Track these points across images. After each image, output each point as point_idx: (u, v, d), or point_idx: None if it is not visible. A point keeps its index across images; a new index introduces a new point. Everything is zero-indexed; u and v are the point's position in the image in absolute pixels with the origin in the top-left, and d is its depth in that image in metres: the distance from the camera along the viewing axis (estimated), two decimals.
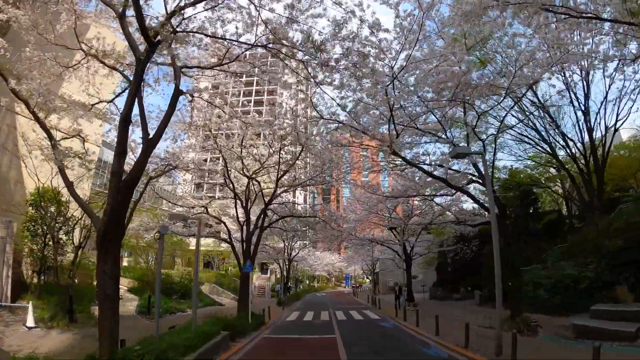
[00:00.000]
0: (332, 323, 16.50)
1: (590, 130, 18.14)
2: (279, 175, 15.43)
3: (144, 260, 26.71)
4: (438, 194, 16.93)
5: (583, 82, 17.32)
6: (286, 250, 31.11)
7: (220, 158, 14.76)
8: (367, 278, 50.91)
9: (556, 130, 19.78)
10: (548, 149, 19.96)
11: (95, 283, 21.06)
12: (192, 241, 39.50)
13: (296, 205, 18.30)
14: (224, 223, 16.78)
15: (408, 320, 16.21)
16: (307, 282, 66.43)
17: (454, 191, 16.65)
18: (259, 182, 16.21)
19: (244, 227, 15.99)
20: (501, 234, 14.89)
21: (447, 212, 23.15)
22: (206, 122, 12.45)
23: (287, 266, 31.69)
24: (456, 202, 22.13)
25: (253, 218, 16.76)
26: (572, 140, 19.55)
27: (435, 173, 13.04)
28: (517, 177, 26.58)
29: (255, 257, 16.55)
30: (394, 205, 22.65)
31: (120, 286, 25.18)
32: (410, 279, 25.95)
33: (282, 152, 14.44)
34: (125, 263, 27.71)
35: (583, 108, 17.95)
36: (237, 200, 16.14)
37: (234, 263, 49.27)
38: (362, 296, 39.50)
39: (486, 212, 17.02)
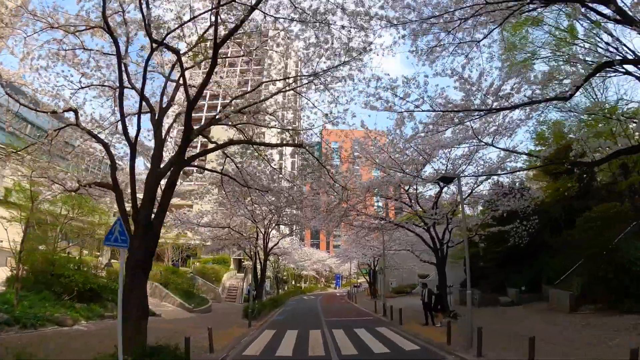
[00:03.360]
0: None
1: None
2: (220, 39, 6.67)
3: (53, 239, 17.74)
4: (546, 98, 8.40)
5: None
6: (262, 238, 22.15)
7: None
8: (366, 277, 42.33)
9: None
10: None
11: None
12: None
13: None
14: (97, 137, 7.91)
15: (490, 356, 7.68)
16: (293, 282, 57.57)
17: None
18: (178, 56, 7.40)
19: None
20: None
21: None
22: None
23: (261, 259, 22.71)
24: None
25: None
26: None
27: None
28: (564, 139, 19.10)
29: (163, 215, 7.72)
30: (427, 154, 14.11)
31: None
32: (445, 277, 17.41)
33: None
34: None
35: None
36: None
37: (205, 259, 40.09)
38: (361, 301, 30.79)
39: None
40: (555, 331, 10.57)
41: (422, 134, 11.59)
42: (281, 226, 30.99)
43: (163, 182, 8.22)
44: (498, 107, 9.97)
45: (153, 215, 7.56)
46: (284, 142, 8.85)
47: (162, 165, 7.90)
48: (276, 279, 38.98)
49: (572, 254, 16.85)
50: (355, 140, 13.67)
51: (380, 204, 26.14)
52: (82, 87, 9.46)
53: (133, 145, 7.74)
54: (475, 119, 10.96)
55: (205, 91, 10.63)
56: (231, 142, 8.77)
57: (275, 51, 9.87)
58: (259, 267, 22.93)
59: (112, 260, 29.87)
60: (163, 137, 8.43)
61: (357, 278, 61.25)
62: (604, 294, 12.54)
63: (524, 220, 17.77)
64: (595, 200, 18.17)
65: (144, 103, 8.54)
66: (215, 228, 20.16)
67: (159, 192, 8.04)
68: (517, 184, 19.09)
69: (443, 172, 17.18)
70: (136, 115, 8.89)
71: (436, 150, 14.54)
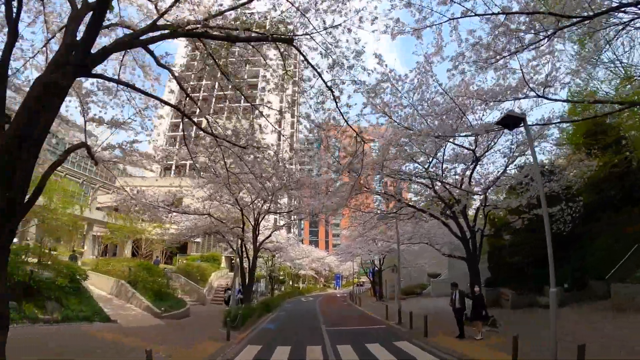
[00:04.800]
0: None
1: None
2: None
3: None
4: None
5: None
6: (251, 229, 18.52)
7: None
8: (369, 277, 38.76)
9: None
10: None
11: None
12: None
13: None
14: None
15: None
16: (291, 282, 53.94)
17: None
18: None
19: None
20: None
21: None
22: None
23: (250, 256, 19.06)
24: None
25: None
26: None
27: None
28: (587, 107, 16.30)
29: (42, 136, 4.24)
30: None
31: None
32: (479, 275, 13.90)
33: None
34: None
35: None
36: None
37: (193, 256, 36.50)
38: (366, 303, 27.27)
39: None
40: None
41: (466, 67, 8.14)
42: (276, 217, 27.48)
43: None
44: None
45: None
46: (269, 35, 5.30)
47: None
48: (270, 279, 35.31)
49: (624, 238, 13.83)
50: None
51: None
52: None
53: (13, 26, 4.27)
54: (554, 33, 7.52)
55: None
56: (174, 34, 5.25)
57: None
58: (247, 265, 19.30)
59: (91, 255, 26.20)
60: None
61: (359, 277, 57.69)
62: None
63: (569, 201, 14.41)
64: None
65: None
66: (192, 216, 16.58)
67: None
68: (546, 167, 15.88)
69: (471, 148, 13.79)
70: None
71: (469, 110, 11.07)
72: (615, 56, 15.37)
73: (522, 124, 8.25)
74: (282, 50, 5.63)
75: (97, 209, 32.71)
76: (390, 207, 15.46)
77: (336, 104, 5.90)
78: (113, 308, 15.31)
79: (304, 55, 5.36)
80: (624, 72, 16.21)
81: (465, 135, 10.91)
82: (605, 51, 12.19)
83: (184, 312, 17.03)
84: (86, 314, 13.13)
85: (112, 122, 8.67)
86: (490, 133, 13.54)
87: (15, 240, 21.60)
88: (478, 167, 15.06)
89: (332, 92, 5.74)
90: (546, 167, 15.85)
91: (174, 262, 34.14)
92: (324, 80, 5.63)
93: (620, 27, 9.40)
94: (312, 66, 5.49)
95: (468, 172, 14.48)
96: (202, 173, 10.72)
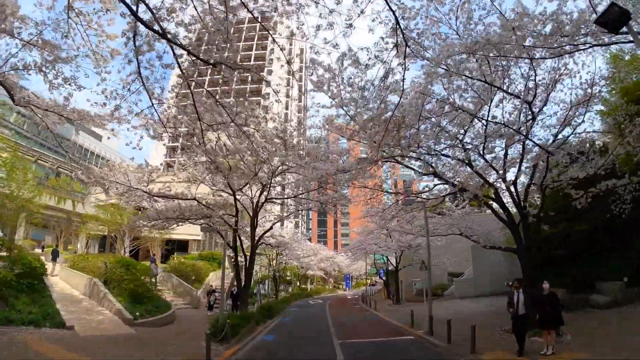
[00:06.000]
0: None
1: None
2: None
3: None
4: None
5: None
6: (247, 220, 15.62)
7: None
8: (382, 278, 35.54)
9: None
10: None
11: None
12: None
13: None
14: None
15: None
16: (298, 283, 50.99)
17: None
18: None
19: None
20: None
21: None
22: None
23: (244, 250, 16.12)
24: None
25: None
26: None
27: None
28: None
29: None
30: None
31: None
32: (533, 265, 10.77)
33: None
34: None
35: None
36: None
37: (193, 255, 33.89)
38: (383, 307, 24.14)
39: None
40: None
41: None
42: (279, 213, 24.66)
43: None
44: None
45: None
46: None
47: None
48: (275, 279, 32.33)
49: None
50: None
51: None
52: None
53: None
54: None
55: None
56: None
57: None
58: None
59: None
60: None
61: (370, 278, 54.41)
62: None
63: (633, 175, 11.31)
64: None
65: None
66: (171, 200, 13.70)
67: None
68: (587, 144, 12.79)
69: (528, 100, 10.65)
70: None
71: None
72: None
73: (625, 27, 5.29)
74: None
75: (97, 206, 30.12)
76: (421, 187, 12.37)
77: None
78: (78, 311, 12.56)
79: None
80: None
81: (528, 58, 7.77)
82: None
83: (166, 318, 14.16)
84: (35, 316, 10.37)
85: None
86: (549, 82, 10.41)
87: None
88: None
89: None
90: (589, 144, 12.81)
91: (170, 260, 31.60)
92: None
93: None
94: None
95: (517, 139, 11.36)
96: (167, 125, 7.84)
